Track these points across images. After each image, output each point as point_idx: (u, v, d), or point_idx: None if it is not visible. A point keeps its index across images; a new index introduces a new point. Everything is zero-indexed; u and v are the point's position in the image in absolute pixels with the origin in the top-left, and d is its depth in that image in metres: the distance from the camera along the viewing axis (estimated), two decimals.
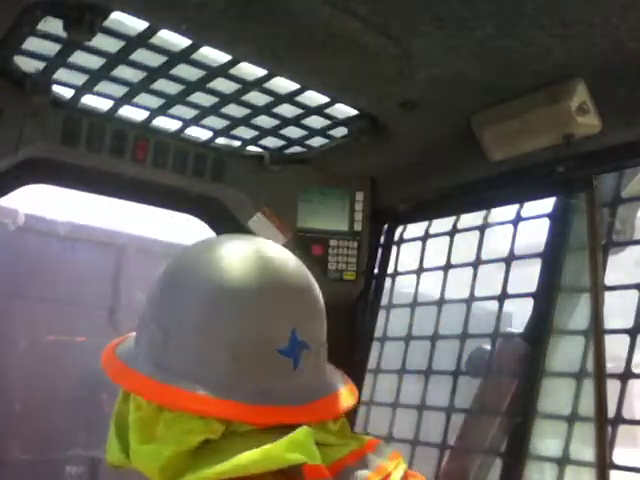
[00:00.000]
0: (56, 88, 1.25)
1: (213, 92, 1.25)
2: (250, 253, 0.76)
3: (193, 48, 1.09)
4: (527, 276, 1.66)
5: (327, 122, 1.38)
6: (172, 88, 1.24)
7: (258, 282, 0.73)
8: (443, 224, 1.73)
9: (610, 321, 1.38)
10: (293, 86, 1.22)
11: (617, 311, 1.44)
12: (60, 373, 4.17)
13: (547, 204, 1.62)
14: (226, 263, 0.74)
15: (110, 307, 4.49)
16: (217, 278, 0.72)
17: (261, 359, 0.71)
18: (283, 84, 1.22)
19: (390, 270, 1.74)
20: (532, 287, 1.64)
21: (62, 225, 4.28)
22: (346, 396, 0.77)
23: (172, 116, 1.36)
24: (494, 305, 1.64)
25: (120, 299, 4.47)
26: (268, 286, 0.74)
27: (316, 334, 0.77)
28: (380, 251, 1.71)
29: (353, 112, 1.33)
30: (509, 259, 1.67)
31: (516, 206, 1.64)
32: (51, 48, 1.10)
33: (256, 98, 1.28)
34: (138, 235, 4.69)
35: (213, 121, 1.39)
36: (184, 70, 1.17)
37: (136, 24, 1.03)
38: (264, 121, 1.38)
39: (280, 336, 0.72)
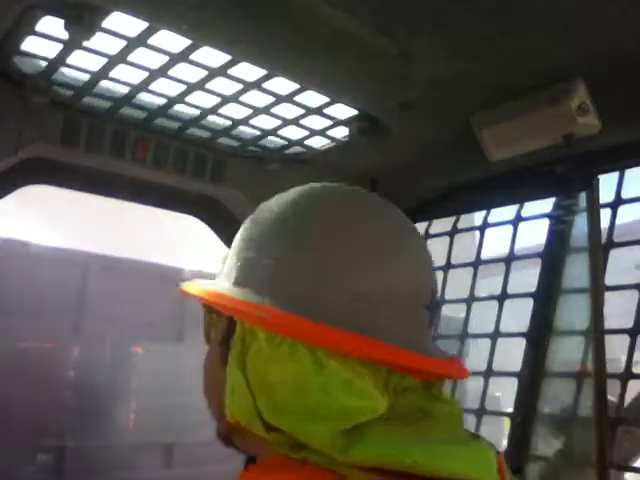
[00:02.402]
0: (56, 88, 1.25)
1: (213, 92, 1.25)
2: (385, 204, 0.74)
3: (193, 48, 1.09)
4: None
5: (327, 122, 1.37)
6: (172, 88, 1.24)
7: (406, 231, 0.72)
8: (442, 224, 1.73)
9: (608, 321, 1.39)
10: (293, 86, 1.22)
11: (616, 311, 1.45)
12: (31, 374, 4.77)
13: (547, 204, 1.62)
14: (377, 213, 0.72)
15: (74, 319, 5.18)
16: (376, 229, 0.69)
17: (409, 313, 0.68)
18: (283, 84, 1.22)
19: None
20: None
21: (33, 247, 5.08)
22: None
23: (172, 116, 1.36)
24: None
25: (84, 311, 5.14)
26: (417, 237, 0.73)
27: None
28: None
29: (353, 112, 1.33)
30: (509, 259, 1.67)
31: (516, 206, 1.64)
32: (51, 48, 1.10)
33: (256, 98, 1.28)
34: (102, 254, 5.51)
35: (213, 121, 1.39)
36: (184, 70, 1.17)
37: (136, 24, 1.03)
38: (264, 121, 1.38)
39: (426, 290, 0.70)
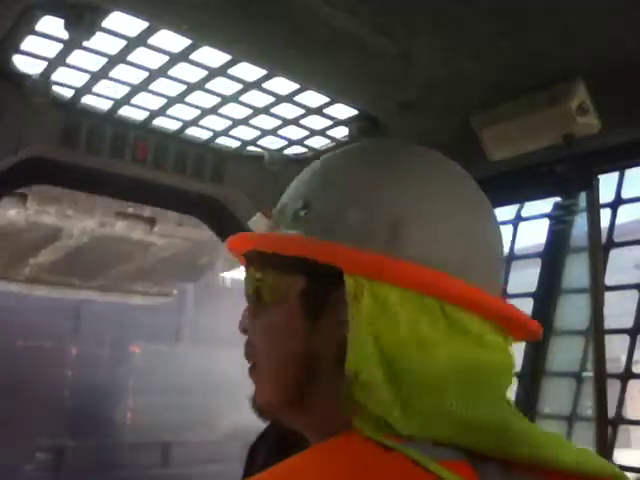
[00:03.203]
0: (56, 88, 1.25)
1: (213, 92, 1.25)
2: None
3: (193, 48, 1.09)
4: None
5: (327, 122, 1.37)
6: (172, 88, 1.24)
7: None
8: None
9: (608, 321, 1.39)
10: (293, 86, 1.22)
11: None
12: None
13: (547, 204, 1.62)
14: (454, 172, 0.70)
15: None
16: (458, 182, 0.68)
17: (499, 266, 0.69)
18: (283, 84, 1.22)
19: None
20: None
21: None
22: None
23: (172, 116, 1.36)
24: None
25: None
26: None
27: None
28: None
29: (353, 112, 1.33)
30: (509, 259, 1.67)
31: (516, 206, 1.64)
32: (51, 48, 1.10)
33: (256, 98, 1.28)
34: None
35: (213, 121, 1.39)
36: (184, 70, 1.17)
37: (136, 24, 1.03)
38: (264, 121, 1.38)
39: (501, 245, 0.70)
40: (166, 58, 1.13)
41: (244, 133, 1.45)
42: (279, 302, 0.66)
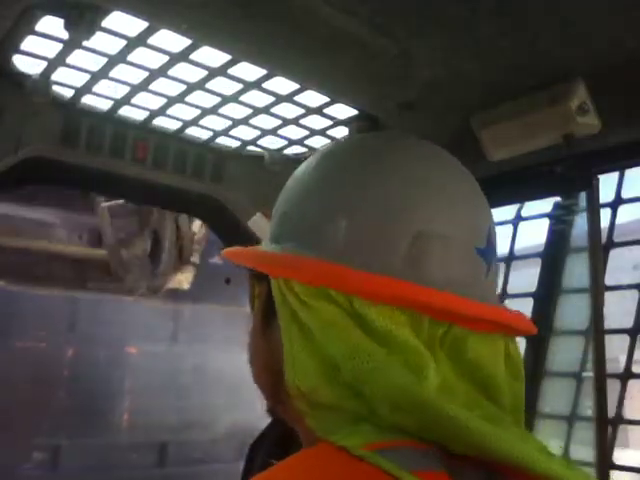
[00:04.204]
0: (56, 88, 1.25)
1: (213, 92, 1.25)
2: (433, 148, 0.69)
3: (193, 48, 1.09)
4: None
5: (327, 122, 1.37)
6: (172, 88, 1.24)
7: (457, 172, 0.67)
8: None
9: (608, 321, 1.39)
10: (293, 86, 1.22)
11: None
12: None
13: (547, 204, 1.62)
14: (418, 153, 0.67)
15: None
16: (416, 167, 0.64)
17: (459, 255, 0.62)
18: (283, 84, 1.22)
19: None
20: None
21: None
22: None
23: (172, 116, 1.36)
24: None
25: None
26: (467, 176, 0.67)
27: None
28: None
29: (353, 112, 1.33)
30: (509, 259, 1.67)
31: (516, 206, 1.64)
32: (51, 48, 1.10)
33: (256, 98, 1.28)
34: None
35: (213, 121, 1.39)
36: (184, 70, 1.17)
37: (136, 24, 1.03)
38: (264, 121, 1.38)
39: (481, 233, 0.64)
40: (166, 58, 1.13)
41: (244, 133, 1.45)
42: (255, 309, 0.69)
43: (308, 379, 0.58)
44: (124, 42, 1.08)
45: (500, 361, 0.63)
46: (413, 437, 0.54)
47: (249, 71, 1.17)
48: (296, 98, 1.27)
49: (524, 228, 1.67)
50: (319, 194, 0.64)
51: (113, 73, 1.18)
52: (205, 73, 1.18)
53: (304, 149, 1.52)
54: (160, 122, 1.40)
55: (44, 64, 1.16)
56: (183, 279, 2.31)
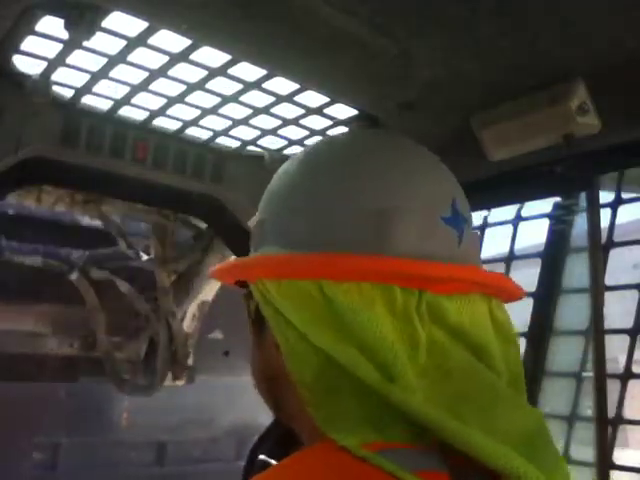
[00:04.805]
0: (56, 88, 1.25)
1: (213, 92, 1.25)
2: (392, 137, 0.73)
3: (193, 48, 1.09)
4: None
5: (327, 122, 1.37)
6: (172, 88, 1.24)
7: (412, 151, 0.69)
8: None
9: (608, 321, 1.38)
10: (293, 86, 1.22)
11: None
12: None
13: (547, 204, 1.62)
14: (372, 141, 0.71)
15: None
16: (373, 154, 0.67)
17: (423, 225, 0.62)
18: (283, 84, 1.22)
19: None
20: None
21: None
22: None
23: (172, 116, 1.36)
24: None
25: None
26: (424, 153, 0.69)
27: (470, 215, 0.70)
28: None
29: (353, 112, 1.33)
30: (509, 259, 1.67)
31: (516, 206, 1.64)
32: (51, 48, 1.10)
33: (256, 98, 1.28)
34: None
35: (213, 121, 1.39)
36: (184, 70, 1.17)
37: (136, 24, 1.03)
38: (264, 121, 1.38)
39: (443, 203, 0.65)
40: (166, 58, 1.13)
41: (244, 133, 1.45)
42: (249, 322, 0.69)
43: (309, 368, 0.57)
44: (124, 42, 1.08)
45: (487, 325, 0.62)
46: (413, 435, 0.54)
47: (249, 71, 1.17)
48: (296, 98, 1.27)
49: (524, 228, 1.67)
50: (285, 194, 0.68)
51: (113, 73, 1.18)
52: (205, 73, 1.17)
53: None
54: (160, 122, 1.40)
55: (44, 64, 1.16)
56: (177, 382, 2.37)
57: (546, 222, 1.66)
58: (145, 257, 2.20)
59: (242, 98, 1.27)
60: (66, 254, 2.27)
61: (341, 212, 0.62)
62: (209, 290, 2.29)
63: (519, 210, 1.65)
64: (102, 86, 1.24)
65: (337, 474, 0.52)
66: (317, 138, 1.46)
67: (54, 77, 1.21)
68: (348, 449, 0.52)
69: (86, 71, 1.18)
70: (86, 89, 1.25)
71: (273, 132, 1.43)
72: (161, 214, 2.00)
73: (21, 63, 1.18)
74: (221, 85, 1.23)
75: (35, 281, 2.26)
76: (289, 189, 0.68)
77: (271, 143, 1.51)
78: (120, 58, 1.13)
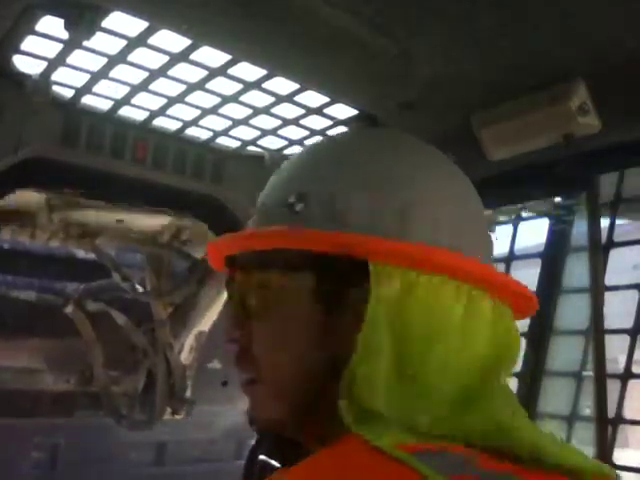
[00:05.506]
0: (56, 88, 1.25)
1: (213, 92, 1.25)
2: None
3: (193, 48, 1.09)
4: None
5: (327, 122, 1.37)
6: (172, 88, 1.24)
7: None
8: None
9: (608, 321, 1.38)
10: (293, 86, 1.22)
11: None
12: None
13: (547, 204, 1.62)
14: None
15: None
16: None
17: (491, 251, 0.68)
18: (283, 84, 1.22)
19: None
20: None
21: None
22: None
23: (172, 116, 1.36)
24: None
25: None
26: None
27: None
28: None
29: (353, 112, 1.33)
30: (509, 259, 1.67)
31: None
32: (51, 48, 1.10)
33: (256, 98, 1.28)
34: None
35: (213, 121, 1.39)
36: (184, 70, 1.17)
37: (136, 24, 1.03)
38: (264, 121, 1.38)
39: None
40: (166, 58, 1.13)
41: (244, 133, 1.45)
42: (288, 305, 0.59)
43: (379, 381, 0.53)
44: (124, 42, 1.08)
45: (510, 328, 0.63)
46: (455, 441, 0.53)
47: (249, 71, 1.17)
48: (296, 98, 1.27)
49: (524, 228, 1.67)
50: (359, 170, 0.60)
51: (113, 73, 1.18)
52: (205, 73, 1.17)
53: None
54: (160, 122, 1.40)
55: (44, 64, 1.16)
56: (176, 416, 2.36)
57: (546, 222, 1.66)
58: (141, 289, 2.13)
59: (242, 98, 1.27)
60: (61, 287, 2.23)
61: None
62: (206, 320, 2.26)
63: (519, 210, 1.65)
64: (102, 86, 1.24)
65: (372, 474, 0.49)
66: (317, 138, 1.46)
67: (54, 77, 1.21)
68: (382, 449, 0.50)
69: (86, 71, 1.18)
70: (86, 89, 1.25)
71: (273, 132, 1.43)
72: (156, 244, 1.95)
73: (21, 63, 1.18)
74: (221, 85, 1.23)
75: (30, 316, 2.21)
76: (375, 175, 0.59)
77: (271, 143, 1.51)
78: (120, 58, 1.13)
